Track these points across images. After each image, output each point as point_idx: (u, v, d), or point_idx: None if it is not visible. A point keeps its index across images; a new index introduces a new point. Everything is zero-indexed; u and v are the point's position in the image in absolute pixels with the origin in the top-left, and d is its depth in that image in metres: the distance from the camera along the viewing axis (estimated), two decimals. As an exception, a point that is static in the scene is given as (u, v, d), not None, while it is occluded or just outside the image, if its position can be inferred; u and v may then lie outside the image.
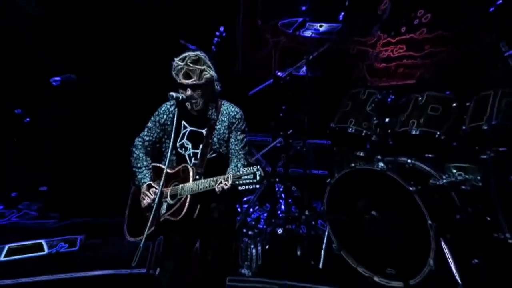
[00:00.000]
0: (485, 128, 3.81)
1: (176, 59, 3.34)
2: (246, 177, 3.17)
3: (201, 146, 3.51)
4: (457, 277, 3.56)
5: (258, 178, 3.14)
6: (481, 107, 3.83)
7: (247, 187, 3.19)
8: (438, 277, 3.71)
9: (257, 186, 3.18)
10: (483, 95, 3.80)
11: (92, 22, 5.28)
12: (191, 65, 3.28)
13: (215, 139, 3.46)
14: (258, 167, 3.16)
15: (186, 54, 3.36)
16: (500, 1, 3.71)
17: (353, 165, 4.43)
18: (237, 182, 3.19)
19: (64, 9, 4.77)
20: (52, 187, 5.51)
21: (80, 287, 3.89)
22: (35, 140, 5.31)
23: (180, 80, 3.31)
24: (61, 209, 5.53)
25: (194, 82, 3.27)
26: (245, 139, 3.58)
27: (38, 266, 4.15)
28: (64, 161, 5.55)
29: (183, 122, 3.49)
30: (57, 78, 5.13)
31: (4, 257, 4.18)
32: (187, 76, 3.29)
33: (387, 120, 4.44)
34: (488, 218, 3.85)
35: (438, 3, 4.92)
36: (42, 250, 4.23)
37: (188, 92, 3.32)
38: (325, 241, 4.40)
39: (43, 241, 4.26)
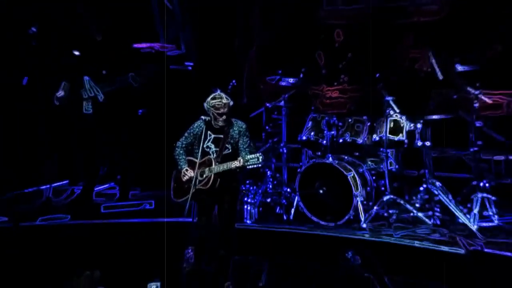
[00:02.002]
0: (384, 138, 5.71)
1: (216, 100, 4.53)
2: (252, 160, 4.33)
3: (219, 145, 4.60)
4: (362, 218, 5.59)
5: (260, 160, 4.31)
6: (380, 126, 5.82)
7: (252, 166, 4.35)
8: (353, 220, 5.67)
9: (259, 165, 4.34)
10: (381, 119, 5.81)
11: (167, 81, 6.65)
12: (225, 102, 4.53)
13: (231, 141, 4.58)
14: (260, 153, 4.37)
15: (218, 95, 4.58)
16: (378, 75, 5.83)
17: (313, 160, 6.09)
18: (246, 164, 4.33)
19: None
20: (135, 173, 7.00)
21: (156, 227, 5.64)
22: (124, 145, 6.77)
23: (219, 110, 4.51)
24: (141, 185, 7.06)
25: (227, 111, 4.53)
26: (248, 141, 4.64)
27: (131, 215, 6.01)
28: (142, 158, 7.10)
29: (209, 132, 4.63)
30: (140, 111, 6.87)
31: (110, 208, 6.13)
32: (223, 108, 4.52)
33: (333, 132, 6.11)
34: (382, 188, 5.92)
35: (351, 73, 6.75)
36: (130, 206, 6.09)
37: (224, 116, 4.52)
38: (295, 204, 6.01)
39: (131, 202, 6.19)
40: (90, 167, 6.21)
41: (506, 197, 5.60)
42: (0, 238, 5.33)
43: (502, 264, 4.49)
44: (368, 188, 5.99)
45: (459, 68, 5.68)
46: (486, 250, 4.63)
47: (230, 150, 4.64)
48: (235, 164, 4.45)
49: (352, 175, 5.81)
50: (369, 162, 6.27)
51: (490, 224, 5.38)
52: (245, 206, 6.05)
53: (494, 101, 5.73)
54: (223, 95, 4.62)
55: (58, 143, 6.50)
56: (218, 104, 4.51)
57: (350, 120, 6.17)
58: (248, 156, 4.41)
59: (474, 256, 4.53)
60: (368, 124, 6.09)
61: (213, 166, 4.52)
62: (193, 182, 4.51)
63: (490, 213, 5.39)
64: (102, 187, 6.79)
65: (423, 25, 6.41)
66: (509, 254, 4.57)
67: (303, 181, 6.04)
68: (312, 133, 6.26)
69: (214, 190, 4.57)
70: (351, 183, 5.72)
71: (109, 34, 6.19)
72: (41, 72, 5.77)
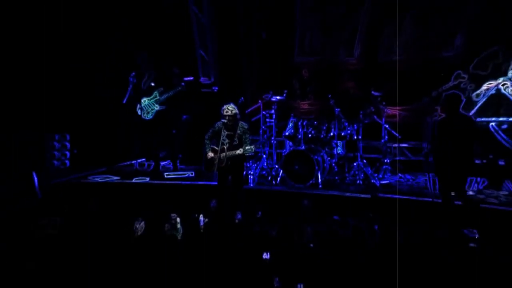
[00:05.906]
0: (335, 134, 8.88)
1: (225, 106, 6.30)
2: (248, 150, 6.04)
3: (230, 139, 6.25)
4: (320, 181, 8.48)
5: (253, 150, 6.09)
6: (333, 127, 9.04)
7: (248, 153, 6.17)
8: (314, 183, 8.46)
9: (253, 153, 6.72)
10: (334, 122, 9.02)
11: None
12: (230, 108, 6.28)
13: (237, 136, 6.18)
14: (254, 146, 6.01)
15: (228, 105, 6.36)
16: (330, 95, 9.31)
17: (292, 148, 8.87)
18: (244, 152, 6.06)
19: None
20: (183, 155, 9.91)
21: (195, 186, 8.43)
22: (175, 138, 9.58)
23: (226, 112, 6.22)
24: (185, 163, 9.81)
25: (231, 114, 6.23)
26: (249, 136, 6.27)
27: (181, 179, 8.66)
28: (186, 146, 10.23)
29: (224, 130, 6.27)
30: (184, 117, 10.16)
31: (167, 175, 9.08)
32: (227, 112, 6.20)
33: (305, 130, 8.88)
34: (334, 165, 9.16)
35: (315, 94, 9.82)
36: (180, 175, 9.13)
37: (227, 118, 6.16)
38: (280, 175, 8.37)
39: (181, 172, 9.23)
40: (154, 152, 9.50)
41: (395, 167, 9.19)
42: (112, 190, 8.66)
43: (390, 202, 7.90)
44: (325, 164, 9.05)
45: (374, 93, 9.18)
46: (381, 195, 8.07)
47: (237, 142, 6.33)
48: (238, 152, 6.22)
49: (316, 158, 8.62)
50: (326, 149, 9.23)
51: (386, 182, 8.89)
52: (249, 176, 8.44)
53: (392, 112, 9.35)
54: (234, 105, 6.54)
55: (139, 137, 9.95)
56: (226, 111, 6.43)
57: (315, 123, 8.80)
58: (246, 147, 6.12)
59: (375, 199, 8.04)
60: (326, 125, 8.89)
61: (225, 153, 6.25)
62: (215, 162, 6.36)
63: (387, 176, 8.97)
64: (164, 163, 10.06)
65: (353, 69, 10.03)
66: (395, 196, 7.94)
67: (286, 161, 8.43)
68: (292, 131, 8.74)
69: (227, 167, 6.44)
70: (315, 162, 8.55)
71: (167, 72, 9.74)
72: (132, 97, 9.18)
